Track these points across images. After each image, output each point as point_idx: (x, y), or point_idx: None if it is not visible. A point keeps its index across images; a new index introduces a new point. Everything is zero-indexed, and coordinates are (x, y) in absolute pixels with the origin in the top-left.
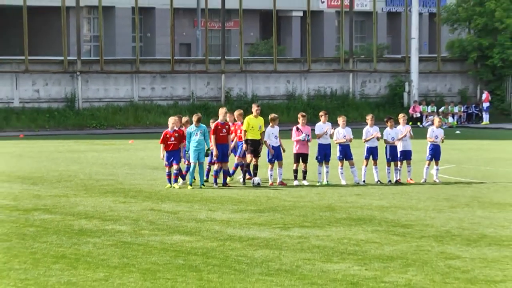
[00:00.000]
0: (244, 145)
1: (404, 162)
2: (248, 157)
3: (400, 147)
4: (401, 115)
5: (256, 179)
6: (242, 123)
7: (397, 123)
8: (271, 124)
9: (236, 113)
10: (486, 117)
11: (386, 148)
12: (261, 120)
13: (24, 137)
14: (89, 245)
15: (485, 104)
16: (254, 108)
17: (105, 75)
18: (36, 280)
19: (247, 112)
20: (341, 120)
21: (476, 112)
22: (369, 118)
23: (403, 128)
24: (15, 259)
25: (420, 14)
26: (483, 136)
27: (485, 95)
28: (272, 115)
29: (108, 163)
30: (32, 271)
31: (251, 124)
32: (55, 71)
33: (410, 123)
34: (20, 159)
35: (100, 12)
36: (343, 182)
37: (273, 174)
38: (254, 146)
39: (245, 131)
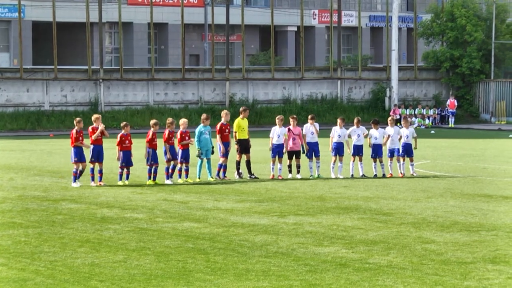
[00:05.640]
0: (236, 145)
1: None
2: (238, 156)
3: (389, 145)
4: (390, 118)
5: (235, 173)
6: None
7: (386, 124)
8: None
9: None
10: (451, 120)
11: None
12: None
13: (53, 137)
14: (110, 231)
15: (451, 110)
16: (241, 110)
17: (124, 82)
18: (64, 261)
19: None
20: (339, 121)
21: (448, 114)
22: (355, 120)
23: (391, 129)
24: (45, 243)
25: (400, 29)
26: (454, 135)
27: (449, 101)
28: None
29: None
30: (60, 253)
31: (241, 126)
32: (81, 78)
33: None
34: (50, 155)
35: (120, 27)
36: (333, 176)
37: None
38: (243, 146)
39: (235, 132)
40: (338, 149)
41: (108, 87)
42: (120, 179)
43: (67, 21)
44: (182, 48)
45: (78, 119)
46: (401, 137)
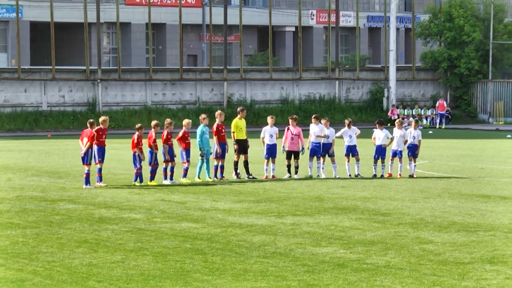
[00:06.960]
0: (235, 146)
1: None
2: (236, 156)
3: (393, 146)
4: (397, 120)
5: (233, 174)
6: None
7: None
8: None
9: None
10: (443, 121)
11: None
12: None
13: (51, 137)
14: (108, 231)
15: (439, 112)
16: (239, 110)
17: (122, 82)
18: (62, 262)
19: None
20: (323, 121)
21: (447, 114)
22: (347, 122)
23: (398, 132)
24: (43, 243)
25: (397, 29)
26: (452, 136)
27: (438, 103)
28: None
29: (125, 159)
30: (58, 254)
31: (239, 126)
32: (79, 79)
33: (389, 124)
34: (48, 156)
35: (118, 27)
36: (323, 176)
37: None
38: (241, 146)
39: (233, 132)
40: (327, 151)
41: (106, 87)
42: (136, 180)
43: (65, 21)
44: (180, 48)
45: (91, 120)
46: (406, 141)
